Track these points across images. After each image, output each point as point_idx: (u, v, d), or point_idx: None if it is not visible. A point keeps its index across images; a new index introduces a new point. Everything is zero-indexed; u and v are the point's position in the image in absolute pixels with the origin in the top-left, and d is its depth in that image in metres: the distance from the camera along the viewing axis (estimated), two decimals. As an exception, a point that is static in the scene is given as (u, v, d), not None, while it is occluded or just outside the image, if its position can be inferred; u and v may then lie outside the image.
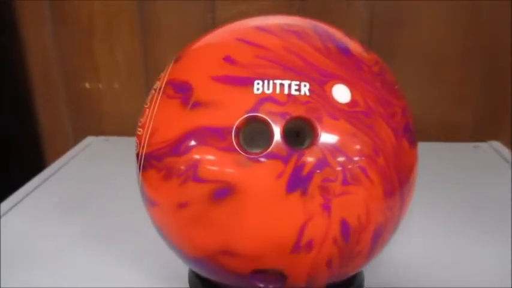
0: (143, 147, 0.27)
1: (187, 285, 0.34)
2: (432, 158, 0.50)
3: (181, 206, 0.24)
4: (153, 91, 0.28)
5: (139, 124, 0.28)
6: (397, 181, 0.25)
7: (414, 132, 0.27)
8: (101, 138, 0.67)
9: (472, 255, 0.38)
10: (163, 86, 0.27)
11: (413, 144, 0.27)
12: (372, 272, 0.34)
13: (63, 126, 0.71)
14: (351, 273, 0.28)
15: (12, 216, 0.45)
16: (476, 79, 0.62)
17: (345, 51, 0.26)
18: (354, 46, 0.27)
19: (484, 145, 0.62)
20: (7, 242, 0.40)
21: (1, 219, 0.44)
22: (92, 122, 0.70)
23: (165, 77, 0.27)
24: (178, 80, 0.26)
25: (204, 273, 0.29)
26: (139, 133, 0.28)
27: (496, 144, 0.61)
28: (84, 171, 0.57)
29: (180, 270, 0.35)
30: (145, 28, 0.64)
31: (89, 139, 0.67)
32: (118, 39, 0.65)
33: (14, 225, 0.43)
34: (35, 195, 0.50)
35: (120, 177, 0.51)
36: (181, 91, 0.25)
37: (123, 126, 0.69)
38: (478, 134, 0.64)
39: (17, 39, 0.66)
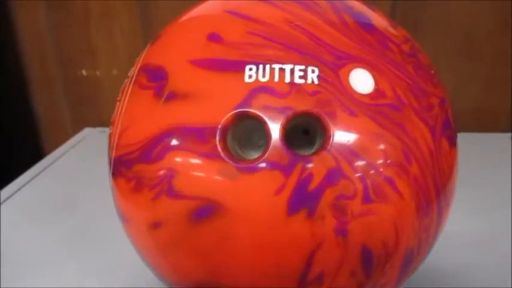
0: (112, 149, 0.21)
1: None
2: (463, 152, 0.44)
3: (155, 226, 0.19)
4: (126, 80, 0.22)
5: (111, 120, 0.23)
6: (434, 193, 0.19)
7: (454, 128, 0.22)
8: (98, 129, 0.62)
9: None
10: (135, 73, 0.21)
11: (453, 143, 0.21)
12: None
13: (61, 116, 0.67)
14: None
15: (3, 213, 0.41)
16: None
17: (366, 26, 0.20)
18: (378, 19, 0.21)
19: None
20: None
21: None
22: (91, 111, 0.66)
23: (139, 61, 0.22)
24: (152, 65, 0.20)
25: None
26: (110, 131, 0.23)
27: (537, 135, 0.54)
28: (80, 166, 0.52)
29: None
30: (145, 9, 0.59)
31: (86, 131, 0.62)
32: (116, 22, 0.60)
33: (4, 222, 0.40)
34: (26, 191, 0.46)
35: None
36: (155, 79, 0.20)
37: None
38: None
39: (9, 24, 0.62)
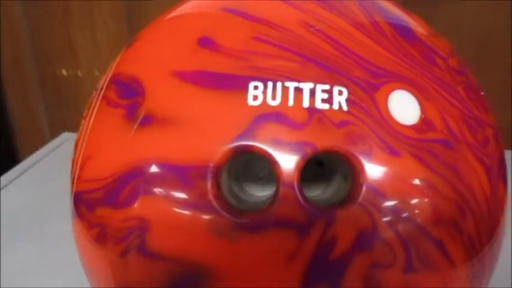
0: (73, 181, 0.17)
1: None
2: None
3: (123, 290, 0.14)
4: (94, 92, 0.18)
5: (75, 142, 0.18)
6: (487, 245, 0.15)
7: (506, 169, 0.17)
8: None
9: None
10: (105, 84, 0.16)
11: (506, 184, 0.17)
12: None
13: (37, 120, 0.62)
14: None
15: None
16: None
17: (405, 33, 0.15)
18: (418, 25, 0.16)
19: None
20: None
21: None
22: (70, 114, 0.60)
23: (111, 69, 0.17)
24: (125, 75, 0.16)
25: None
26: (73, 157, 0.18)
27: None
28: (57, 173, 0.47)
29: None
30: (130, 6, 0.54)
31: (65, 135, 0.57)
32: (99, 18, 0.55)
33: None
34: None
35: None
36: (127, 95, 0.15)
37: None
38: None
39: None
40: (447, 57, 0.16)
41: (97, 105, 0.16)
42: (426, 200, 0.13)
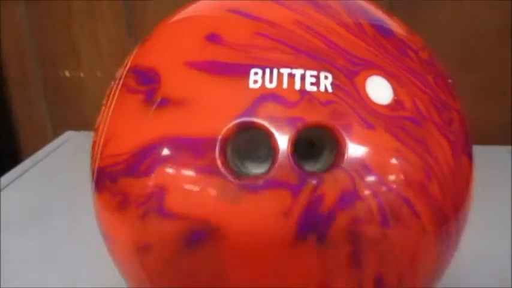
0: (95, 160, 0.19)
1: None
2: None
3: (143, 249, 0.17)
4: (112, 82, 0.20)
5: (95, 127, 0.21)
6: (452, 213, 0.18)
7: (471, 147, 0.20)
8: (81, 133, 0.59)
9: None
10: (123, 74, 0.19)
11: (472, 161, 0.19)
12: None
13: (40, 119, 0.64)
14: None
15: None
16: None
17: (383, 30, 0.18)
18: (394, 24, 0.19)
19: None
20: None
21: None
22: (72, 114, 0.63)
23: (128, 61, 0.20)
24: (143, 66, 0.18)
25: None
26: (94, 139, 0.20)
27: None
28: (60, 169, 0.49)
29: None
30: (131, 8, 0.56)
31: (68, 134, 0.59)
32: (101, 20, 0.57)
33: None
34: (2, 196, 0.43)
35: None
36: (145, 83, 0.17)
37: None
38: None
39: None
40: (418, 51, 0.18)
41: (117, 93, 0.19)
42: (397, 166, 0.15)
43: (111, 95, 0.19)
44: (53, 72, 0.61)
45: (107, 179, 0.18)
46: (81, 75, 0.61)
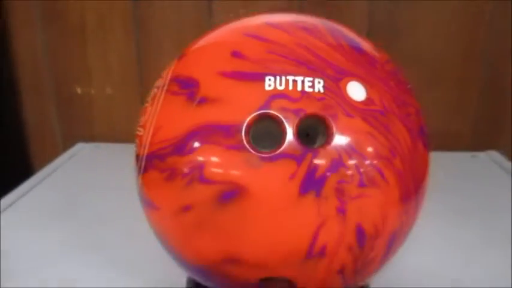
0: (144, 147, 0.25)
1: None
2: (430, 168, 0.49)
3: (185, 209, 0.23)
4: (155, 89, 0.26)
5: (140, 124, 0.27)
6: (412, 184, 0.24)
7: (427, 135, 0.26)
8: (92, 144, 0.65)
9: (473, 260, 0.37)
10: (167, 82, 0.25)
11: (427, 146, 0.26)
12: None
13: (52, 132, 0.69)
14: (363, 282, 0.27)
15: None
16: (475, 87, 0.62)
17: (357, 49, 0.25)
18: (366, 44, 0.26)
19: (482, 155, 0.61)
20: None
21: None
22: (83, 127, 0.68)
23: (168, 74, 0.26)
24: (184, 76, 0.24)
25: (206, 282, 0.27)
26: (139, 133, 0.26)
27: (494, 155, 0.60)
28: (74, 179, 0.54)
29: (176, 278, 0.33)
30: (140, 31, 0.63)
31: (79, 145, 0.65)
32: (111, 42, 0.64)
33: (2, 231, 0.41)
34: (22, 203, 0.47)
35: (112, 185, 0.50)
36: (187, 87, 0.24)
37: (115, 132, 0.68)
38: (476, 143, 0.63)
39: (5, 40, 0.64)
40: (384, 63, 0.25)
41: (162, 95, 0.25)
42: (370, 144, 0.22)
43: (156, 98, 0.26)
44: (66, 89, 0.66)
45: (156, 159, 0.24)
46: (92, 92, 0.66)
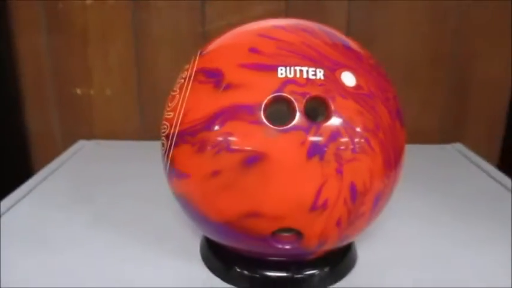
0: (175, 126, 0.31)
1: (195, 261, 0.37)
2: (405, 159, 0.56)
3: (214, 174, 0.28)
4: (182, 80, 0.32)
5: (168, 109, 0.32)
6: (392, 154, 0.30)
7: (402, 117, 0.33)
8: (93, 142, 0.69)
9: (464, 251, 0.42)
10: (193, 74, 0.31)
11: (403, 126, 0.32)
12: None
13: (52, 131, 0.73)
14: (354, 236, 0.33)
15: (12, 215, 0.47)
16: (442, 86, 0.70)
17: (347, 46, 0.31)
18: (352, 43, 0.32)
19: (448, 147, 0.69)
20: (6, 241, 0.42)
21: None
22: (82, 126, 0.72)
23: (193, 67, 0.31)
24: (209, 68, 0.30)
25: (224, 239, 0.32)
26: (168, 116, 0.32)
27: (459, 146, 0.68)
28: (81, 171, 0.59)
29: (190, 247, 0.38)
30: (138, 36, 0.68)
31: (81, 143, 0.69)
32: (113, 46, 0.68)
33: (16, 220, 0.45)
34: (31, 197, 0.51)
35: (118, 178, 0.55)
36: (213, 77, 0.29)
37: (113, 131, 0.72)
38: (443, 137, 0.71)
39: (10, 43, 0.68)
40: (368, 58, 0.31)
41: (190, 84, 0.30)
42: (360, 119, 0.28)
43: (183, 87, 0.31)
44: (67, 90, 0.70)
45: (187, 135, 0.29)
46: (91, 92, 0.71)
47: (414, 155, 0.64)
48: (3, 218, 0.44)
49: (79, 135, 0.71)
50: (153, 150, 0.65)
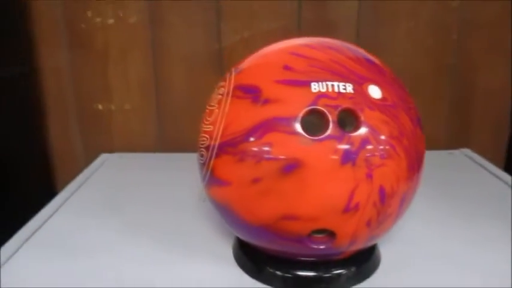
0: (215, 138, 0.33)
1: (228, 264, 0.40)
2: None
3: (255, 181, 0.31)
4: (220, 96, 0.35)
5: (207, 122, 0.35)
6: (415, 158, 0.33)
7: (422, 125, 0.36)
8: (115, 154, 0.72)
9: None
10: (231, 90, 0.34)
11: (423, 133, 0.35)
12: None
13: (74, 145, 0.75)
14: (381, 236, 0.35)
15: (47, 229, 0.49)
16: (446, 96, 0.73)
17: (370, 62, 0.34)
18: (374, 58, 0.35)
19: (456, 152, 0.71)
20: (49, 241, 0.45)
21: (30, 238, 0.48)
22: (102, 140, 0.75)
23: (230, 84, 0.34)
24: (246, 84, 0.33)
25: (260, 241, 0.35)
26: (208, 129, 0.35)
27: (467, 151, 0.71)
28: (109, 182, 0.61)
29: (221, 250, 0.41)
30: (156, 54, 0.71)
31: (103, 156, 0.71)
32: (132, 64, 0.71)
33: (57, 226, 0.48)
34: (64, 208, 0.54)
35: (144, 187, 0.58)
36: (251, 92, 0.32)
37: (132, 144, 0.75)
38: (449, 143, 0.74)
39: (33, 62, 0.71)
40: (390, 72, 0.34)
41: (228, 99, 0.33)
42: (386, 128, 0.31)
43: (221, 102, 0.34)
44: (88, 105, 0.73)
45: (228, 146, 0.32)
46: (112, 108, 0.74)
47: (426, 160, 0.68)
48: (38, 232, 0.47)
49: (99, 149, 0.74)
50: (171, 161, 0.69)
